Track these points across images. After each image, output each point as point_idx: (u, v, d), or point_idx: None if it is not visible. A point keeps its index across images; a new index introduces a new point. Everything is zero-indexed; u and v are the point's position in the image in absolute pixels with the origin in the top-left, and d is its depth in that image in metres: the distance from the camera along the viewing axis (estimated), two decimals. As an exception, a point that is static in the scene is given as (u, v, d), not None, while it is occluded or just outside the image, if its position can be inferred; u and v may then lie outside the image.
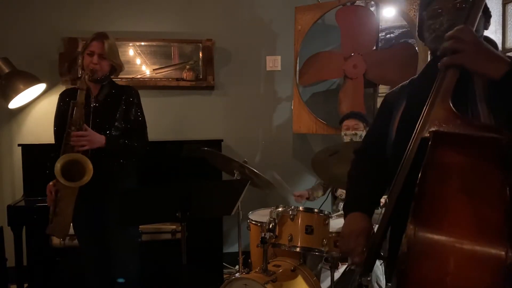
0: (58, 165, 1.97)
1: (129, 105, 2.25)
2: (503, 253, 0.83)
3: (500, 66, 0.97)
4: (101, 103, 2.19)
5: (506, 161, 0.92)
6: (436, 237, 0.88)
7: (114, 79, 2.35)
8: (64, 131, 2.06)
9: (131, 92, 2.30)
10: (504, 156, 0.92)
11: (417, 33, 1.31)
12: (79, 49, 2.23)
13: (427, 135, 1.01)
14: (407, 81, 1.35)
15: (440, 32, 1.17)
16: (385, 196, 1.20)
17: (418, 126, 1.06)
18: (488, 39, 1.19)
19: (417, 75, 1.32)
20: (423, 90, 1.12)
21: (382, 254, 1.19)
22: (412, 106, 1.21)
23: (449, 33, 1.01)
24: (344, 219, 1.34)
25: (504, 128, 0.95)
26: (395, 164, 1.13)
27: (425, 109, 1.05)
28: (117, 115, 2.20)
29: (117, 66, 2.25)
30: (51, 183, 2.09)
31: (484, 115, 1.07)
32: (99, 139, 2.09)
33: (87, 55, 2.16)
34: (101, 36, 2.19)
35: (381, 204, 1.19)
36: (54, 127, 2.25)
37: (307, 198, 2.84)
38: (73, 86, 2.33)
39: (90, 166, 2.01)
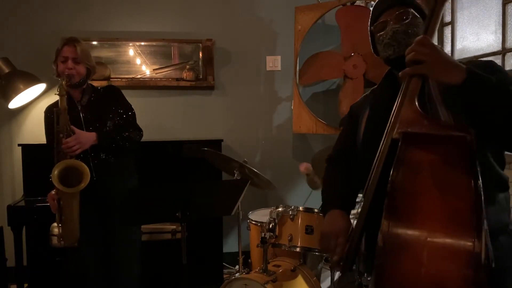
0: (55, 173, 1.96)
1: (114, 102, 2.25)
2: (470, 243, 0.88)
3: (458, 74, 1.04)
4: (87, 106, 2.19)
5: (471, 156, 0.98)
6: (409, 231, 0.94)
7: (112, 80, 2.35)
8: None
9: (112, 90, 2.31)
10: (469, 152, 0.98)
11: (372, 49, 1.40)
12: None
13: (396, 136, 1.06)
14: (369, 91, 1.46)
15: (387, 39, 1.28)
16: (360, 195, 1.23)
17: (387, 128, 1.11)
18: None
19: (377, 85, 1.42)
20: (384, 97, 1.21)
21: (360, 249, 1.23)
22: (375, 113, 1.32)
23: (410, 47, 1.07)
24: (324, 217, 1.39)
25: (467, 126, 1.00)
26: (366, 166, 1.19)
27: (393, 112, 1.11)
28: (106, 114, 2.20)
29: (91, 69, 2.23)
30: (52, 192, 2.08)
31: (444, 116, 1.13)
32: (90, 137, 2.08)
33: (61, 63, 2.14)
34: (72, 41, 2.17)
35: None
36: (47, 142, 2.24)
37: (307, 174, 2.90)
38: (55, 100, 2.31)
39: (86, 170, 2.00)
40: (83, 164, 2.02)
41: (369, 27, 1.38)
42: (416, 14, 1.27)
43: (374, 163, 1.13)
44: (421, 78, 1.08)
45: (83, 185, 1.99)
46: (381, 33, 1.30)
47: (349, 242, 1.23)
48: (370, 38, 1.38)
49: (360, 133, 1.37)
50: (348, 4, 3.26)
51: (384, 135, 1.12)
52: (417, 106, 1.06)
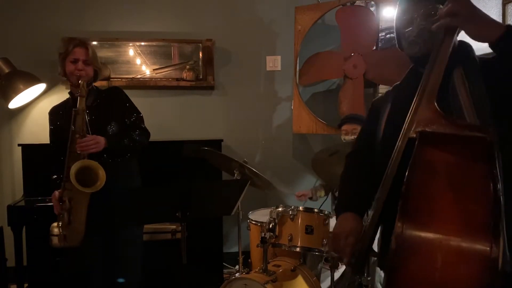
0: (72, 172, 1.97)
1: (120, 104, 2.26)
2: (487, 248, 0.85)
3: (494, 29, 1.01)
4: (92, 107, 2.19)
5: (489, 157, 0.94)
6: (423, 234, 0.91)
7: (112, 80, 2.35)
8: (63, 144, 2.06)
9: (117, 92, 2.32)
10: (487, 153, 0.95)
11: (396, 44, 1.36)
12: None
13: (413, 135, 1.03)
14: (391, 87, 1.42)
15: (413, 37, 1.23)
16: None
17: (405, 126, 1.09)
18: (463, 43, 1.22)
19: (400, 81, 1.38)
20: (406, 94, 1.18)
21: (375, 251, 1.21)
22: (397, 109, 1.29)
23: (447, 2, 1.04)
24: (336, 219, 1.37)
25: (487, 126, 0.97)
26: (383, 164, 1.17)
27: (411, 110, 1.08)
28: (112, 116, 2.21)
29: (99, 71, 2.24)
30: (56, 193, 2.08)
31: (468, 113, 1.09)
32: (103, 140, 2.09)
33: (70, 63, 2.13)
34: (83, 42, 2.17)
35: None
36: (51, 143, 2.25)
37: (310, 198, 2.85)
38: (61, 101, 2.34)
39: (102, 171, 2.02)
40: (99, 164, 2.03)
41: (394, 22, 1.33)
42: None
43: (389, 162, 1.11)
44: (452, 36, 1.04)
45: (99, 184, 2.00)
46: (407, 30, 1.25)
47: (361, 242, 1.21)
48: (395, 32, 1.34)
49: (381, 129, 1.34)
50: (348, 4, 3.25)
51: (401, 134, 1.09)
52: (435, 105, 1.03)
